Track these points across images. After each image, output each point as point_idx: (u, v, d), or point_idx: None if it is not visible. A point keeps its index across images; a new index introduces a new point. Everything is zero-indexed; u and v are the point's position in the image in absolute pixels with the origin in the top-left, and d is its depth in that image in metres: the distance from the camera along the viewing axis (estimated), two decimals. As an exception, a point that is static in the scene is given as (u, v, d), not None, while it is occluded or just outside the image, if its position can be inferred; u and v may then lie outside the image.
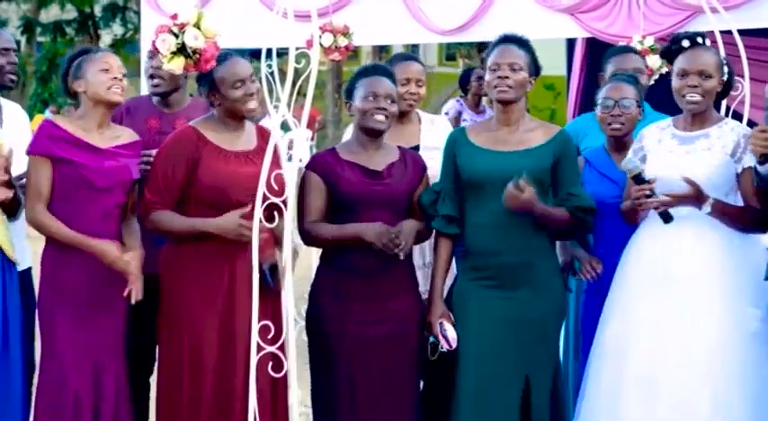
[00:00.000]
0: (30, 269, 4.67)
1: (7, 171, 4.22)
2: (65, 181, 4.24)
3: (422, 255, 4.71)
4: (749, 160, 4.10)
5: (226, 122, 4.35)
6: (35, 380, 4.37)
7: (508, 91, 4.28)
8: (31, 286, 4.58)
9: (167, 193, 4.26)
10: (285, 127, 4.12)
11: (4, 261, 4.33)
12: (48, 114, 18.87)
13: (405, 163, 4.45)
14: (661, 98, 5.23)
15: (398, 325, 4.34)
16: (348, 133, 4.99)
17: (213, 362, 4.22)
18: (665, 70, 6.46)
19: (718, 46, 6.02)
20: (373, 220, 4.25)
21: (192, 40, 4.00)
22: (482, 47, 4.45)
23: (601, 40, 8.32)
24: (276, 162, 4.13)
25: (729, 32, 6.50)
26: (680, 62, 4.24)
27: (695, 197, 4.07)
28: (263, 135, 4.42)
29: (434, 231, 4.44)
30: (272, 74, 4.17)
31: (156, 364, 4.44)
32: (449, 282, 4.51)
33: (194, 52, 4.02)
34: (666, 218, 4.11)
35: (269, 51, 4.21)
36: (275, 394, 4.27)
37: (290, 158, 4.23)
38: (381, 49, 19.38)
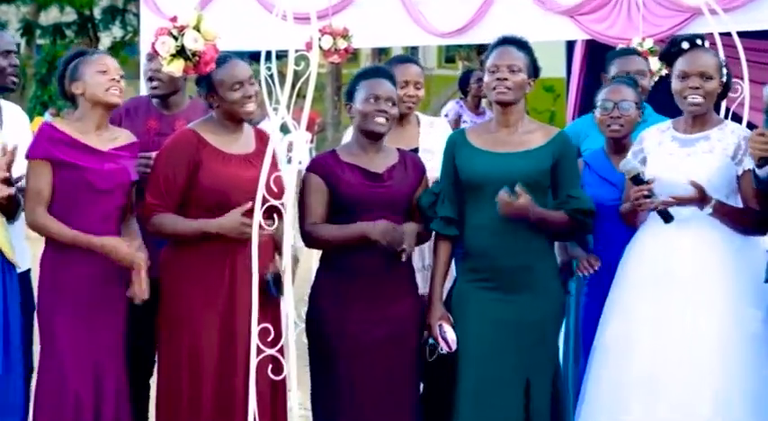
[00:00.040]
0: (29, 271, 4.67)
1: (9, 169, 4.21)
2: (65, 184, 4.23)
3: (421, 257, 4.71)
4: (749, 163, 4.10)
5: (225, 125, 4.35)
6: (32, 382, 4.37)
7: (507, 92, 4.28)
8: (30, 288, 4.58)
9: (169, 197, 4.25)
10: (284, 129, 4.12)
11: (4, 263, 4.33)
12: (47, 117, 18.87)
13: (405, 165, 4.45)
14: (660, 100, 5.24)
15: (398, 326, 4.34)
16: (347, 135, 4.99)
17: (213, 363, 4.23)
18: (664, 72, 6.46)
19: (718, 48, 6.02)
20: None
21: (192, 42, 4.01)
22: (481, 49, 4.45)
23: (600, 42, 8.33)
24: (274, 164, 4.14)
25: (728, 34, 6.50)
26: (680, 64, 4.24)
27: (700, 199, 4.07)
28: (262, 138, 4.42)
29: (434, 233, 4.44)
30: (271, 76, 4.17)
31: (156, 366, 4.43)
32: (448, 284, 4.50)
33: (194, 55, 4.03)
34: (666, 217, 4.12)
35: (268, 54, 4.21)
36: (275, 396, 4.27)
37: (289, 161, 4.23)
38: (381, 52, 19.38)
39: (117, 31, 25.54)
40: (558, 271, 4.43)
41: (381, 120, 4.34)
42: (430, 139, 4.92)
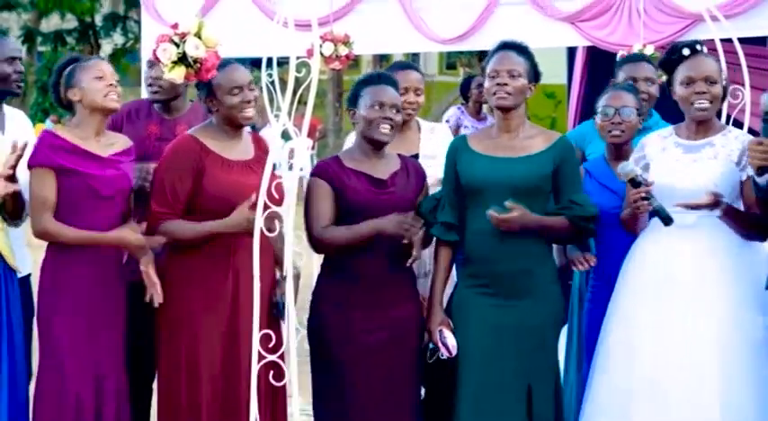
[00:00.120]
0: (29, 276, 4.67)
1: (14, 167, 4.21)
2: (68, 191, 4.23)
3: (422, 263, 4.70)
4: (750, 170, 4.10)
5: (224, 130, 4.35)
6: (31, 386, 4.38)
7: (507, 97, 4.28)
8: (29, 293, 4.59)
9: (176, 203, 4.25)
10: (286, 136, 4.12)
11: (5, 268, 4.33)
12: (48, 124, 18.89)
13: (407, 171, 4.46)
14: (658, 107, 5.25)
15: (400, 328, 4.34)
16: (349, 142, 4.99)
17: (215, 368, 4.23)
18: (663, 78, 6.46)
19: (719, 54, 6.03)
20: None
21: (193, 49, 4.01)
22: (483, 55, 4.46)
23: (601, 48, 8.32)
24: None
25: (729, 41, 6.50)
26: (684, 70, 4.24)
27: (714, 204, 4.07)
28: (259, 143, 4.44)
29: (435, 239, 4.44)
30: (272, 83, 4.18)
31: (157, 369, 4.42)
32: (449, 289, 4.50)
33: (195, 61, 4.03)
34: (666, 220, 4.12)
35: (269, 60, 4.21)
36: (275, 401, 4.28)
37: (290, 167, 4.23)
38: (382, 58, 19.38)
39: (118, 38, 25.58)
40: (557, 276, 4.42)
41: (386, 128, 4.33)
42: (430, 145, 4.92)
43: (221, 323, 4.25)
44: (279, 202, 4.02)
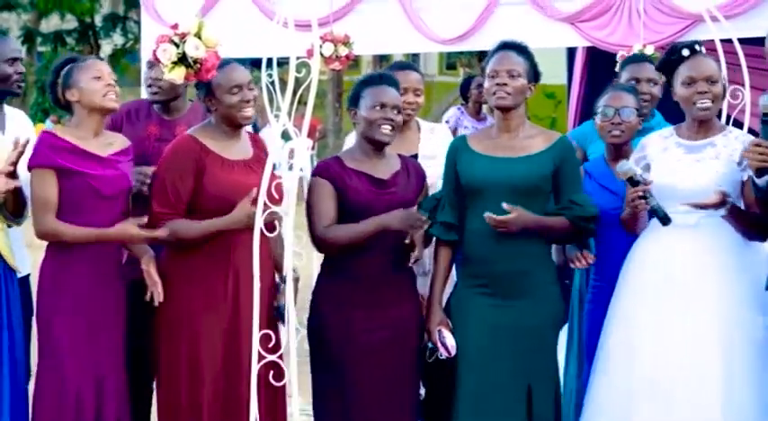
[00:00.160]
0: (28, 276, 4.67)
1: (15, 163, 4.21)
2: (71, 191, 4.23)
3: (421, 263, 4.71)
4: (750, 171, 4.10)
5: (224, 130, 4.35)
6: (30, 387, 4.38)
7: (507, 97, 4.28)
8: (29, 293, 4.59)
9: (178, 203, 4.24)
10: (286, 136, 4.12)
11: (5, 268, 4.34)
12: (48, 124, 18.90)
13: (407, 171, 4.46)
14: (661, 107, 5.24)
15: (400, 327, 4.35)
16: (348, 142, 4.99)
17: (217, 368, 4.23)
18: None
19: (719, 54, 6.03)
20: None
21: (193, 49, 4.00)
22: (483, 55, 4.46)
23: (601, 48, 8.33)
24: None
25: (729, 41, 6.50)
26: (685, 70, 4.24)
27: (721, 204, 4.08)
28: (257, 143, 4.45)
29: (434, 239, 4.44)
30: (272, 83, 4.17)
31: (155, 369, 4.41)
32: (449, 289, 4.50)
33: (195, 62, 4.03)
34: (664, 220, 4.12)
35: (269, 61, 4.21)
36: (275, 402, 4.28)
37: (290, 168, 4.23)
38: (382, 59, 19.38)
39: (118, 39, 25.59)
40: (556, 277, 4.42)
41: (387, 129, 4.33)
42: (430, 145, 4.93)
43: (222, 323, 4.25)
44: (279, 203, 4.03)
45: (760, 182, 3.99)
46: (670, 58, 4.33)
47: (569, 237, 4.36)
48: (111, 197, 4.28)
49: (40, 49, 26.09)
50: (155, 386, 4.43)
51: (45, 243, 4.32)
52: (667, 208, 4.16)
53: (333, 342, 4.31)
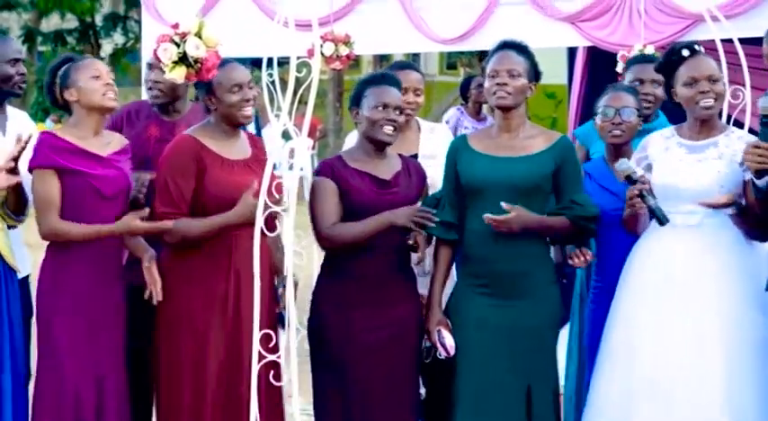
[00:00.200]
0: (27, 277, 4.67)
1: (16, 159, 4.20)
2: (71, 191, 4.22)
3: (422, 263, 4.71)
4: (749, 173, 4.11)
5: (223, 129, 4.35)
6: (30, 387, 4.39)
7: (507, 97, 4.28)
8: (28, 293, 4.59)
9: (181, 203, 4.24)
10: (286, 136, 4.12)
11: (5, 268, 4.33)
12: (49, 123, 18.91)
13: (408, 172, 4.46)
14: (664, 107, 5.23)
15: (400, 327, 4.35)
16: (348, 141, 4.99)
17: (219, 369, 4.23)
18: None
19: (720, 54, 6.02)
20: None
21: (194, 49, 4.01)
22: (483, 55, 4.45)
23: (601, 48, 8.33)
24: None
25: (730, 41, 6.50)
26: (686, 71, 4.24)
27: (732, 204, 4.08)
28: (256, 143, 4.45)
29: (434, 238, 4.44)
30: (273, 83, 4.17)
31: (155, 369, 4.40)
32: (450, 289, 4.50)
33: (195, 61, 4.03)
34: (661, 220, 4.12)
35: (270, 60, 4.21)
36: (275, 401, 4.29)
37: (290, 167, 4.23)
38: (382, 58, 19.38)
39: (118, 38, 25.58)
40: (555, 277, 4.42)
41: (389, 129, 4.33)
42: (430, 145, 4.93)
43: (223, 323, 4.25)
44: (279, 202, 4.03)
45: (760, 183, 4.00)
46: (670, 60, 4.32)
47: (570, 237, 4.36)
48: (112, 197, 4.28)
49: (41, 48, 26.09)
50: (154, 386, 4.41)
51: (44, 243, 4.31)
52: (669, 208, 4.16)
53: (334, 342, 4.31)
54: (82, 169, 4.22)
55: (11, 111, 4.73)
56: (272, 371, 4.06)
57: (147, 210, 4.23)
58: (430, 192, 4.55)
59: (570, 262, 4.43)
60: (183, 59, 4.02)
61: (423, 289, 4.51)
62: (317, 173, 4.40)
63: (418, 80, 4.98)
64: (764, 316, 4.11)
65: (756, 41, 4.33)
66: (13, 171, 4.20)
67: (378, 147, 4.39)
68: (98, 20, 25.79)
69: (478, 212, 4.23)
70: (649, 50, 7.25)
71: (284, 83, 4.03)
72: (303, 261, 4.47)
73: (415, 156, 4.80)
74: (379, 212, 4.25)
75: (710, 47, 5.94)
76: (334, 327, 4.31)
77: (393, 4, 8.77)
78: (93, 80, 4.28)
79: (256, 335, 4.01)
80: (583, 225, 4.29)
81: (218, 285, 4.25)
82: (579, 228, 4.29)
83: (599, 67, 8.74)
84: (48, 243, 4.30)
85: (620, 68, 7.20)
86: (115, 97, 4.33)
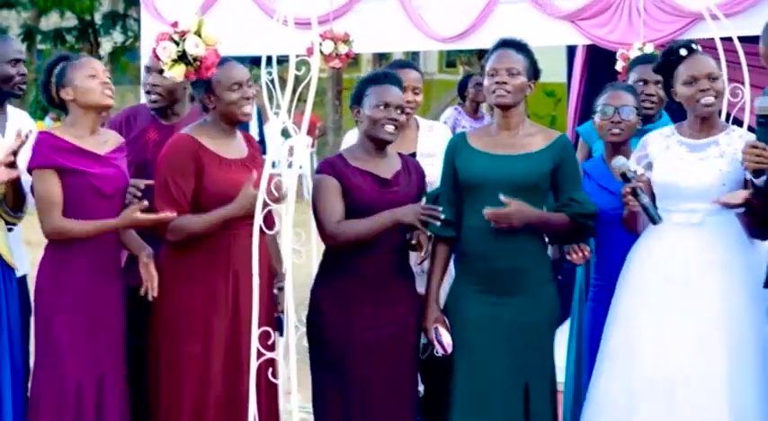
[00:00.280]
0: (25, 276, 4.66)
1: (15, 153, 4.19)
2: (72, 191, 4.22)
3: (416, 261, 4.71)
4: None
5: (222, 128, 4.35)
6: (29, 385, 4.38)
7: (506, 96, 4.28)
8: (26, 292, 4.59)
9: (183, 201, 4.23)
10: (285, 134, 4.12)
11: (4, 267, 4.33)
12: (48, 121, 18.90)
13: (408, 171, 4.46)
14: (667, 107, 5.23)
15: (400, 324, 4.36)
16: (347, 140, 4.99)
17: (220, 367, 4.23)
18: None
19: (719, 53, 6.02)
20: None
21: (193, 47, 4.01)
22: (482, 54, 4.45)
23: (601, 46, 8.32)
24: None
25: (729, 39, 6.50)
26: (685, 70, 4.24)
27: (744, 204, 4.08)
28: (251, 142, 4.45)
29: (432, 236, 4.44)
30: (272, 81, 4.17)
31: (153, 368, 4.40)
32: (447, 285, 4.50)
33: (195, 60, 4.03)
34: (653, 219, 4.12)
35: (269, 58, 4.22)
36: (272, 398, 4.30)
37: (290, 165, 4.23)
38: (381, 57, 19.37)
39: (118, 37, 25.57)
40: (552, 275, 4.42)
41: (391, 128, 4.34)
42: (429, 144, 4.93)
43: (223, 321, 4.25)
44: (277, 200, 4.03)
45: (758, 182, 4.01)
46: (669, 59, 4.32)
47: (570, 234, 4.36)
48: (111, 195, 4.28)
49: (40, 46, 26.08)
50: (152, 384, 4.39)
51: (43, 241, 4.31)
52: (670, 206, 4.17)
53: (334, 340, 4.32)
54: (81, 168, 4.22)
55: (11, 110, 4.73)
56: (270, 369, 4.06)
57: (146, 203, 4.22)
58: (428, 191, 4.55)
59: (569, 257, 4.43)
60: (182, 58, 4.02)
61: (421, 288, 4.51)
62: (318, 171, 4.40)
63: (417, 79, 4.98)
64: (765, 314, 4.10)
65: (756, 40, 4.33)
66: (13, 165, 4.20)
67: (379, 145, 4.39)
68: (97, 18, 25.77)
69: (476, 209, 4.23)
70: (649, 49, 7.25)
71: (283, 81, 4.03)
72: (302, 259, 4.47)
73: (414, 154, 4.80)
74: (379, 211, 4.25)
75: (710, 45, 5.95)
76: (334, 326, 4.31)
77: (392, 2, 8.77)
78: (90, 79, 4.28)
79: (255, 332, 4.02)
80: (582, 222, 4.29)
81: (217, 283, 4.25)
82: (578, 225, 4.29)
83: (598, 66, 8.73)
84: (48, 241, 4.30)
85: (619, 67, 7.20)
86: (112, 95, 4.33)
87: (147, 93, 4.90)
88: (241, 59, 4.43)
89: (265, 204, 4.00)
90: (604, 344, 4.34)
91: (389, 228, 4.23)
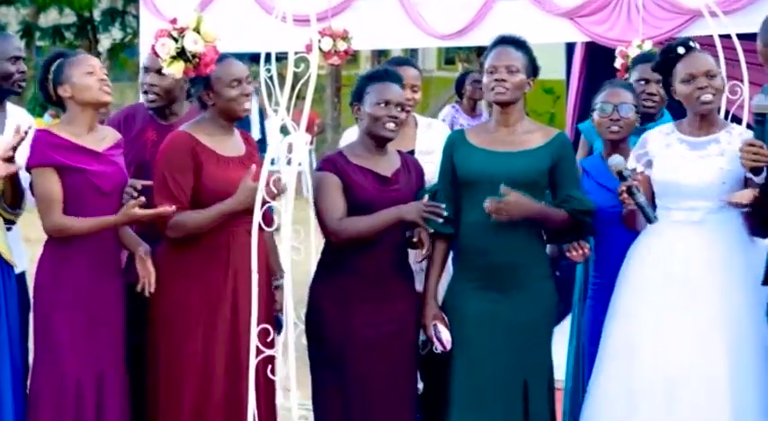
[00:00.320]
0: (24, 273, 4.66)
1: (14, 149, 4.18)
2: (72, 189, 4.21)
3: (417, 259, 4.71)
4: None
5: (220, 125, 4.34)
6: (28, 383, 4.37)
7: (505, 93, 4.28)
8: (25, 289, 4.58)
9: (182, 197, 4.23)
10: (284, 131, 4.13)
11: (3, 264, 4.33)
12: (47, 118, 18.87)
13: (407, 168, 4.47)
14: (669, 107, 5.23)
15: (400, 322, 4.36)
16: (346, 137, 4.99)
17: (220, 365, 4.23)
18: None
19: (718, 50, 6.03)
20: None
21: (192, 44, 4.01)
22: (481, 51, 4.45)
23: (600, 44, 8.32)
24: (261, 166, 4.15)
25: (728, 37, 6.50)
26: (684, 68, 4.24)
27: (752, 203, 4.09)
28: (248, 139, 4.45)
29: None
30: (271, 78, 4.18)
31: (152, 365, 4.39)
32: (446, 282, 4.50)
33: (194, 56, 4.03)
34: (649, 218, 4.12)
35: (268, 55, 4.22)
36: (270, 395, 4.30)
37: (288, 162, 4.24)
38: (380, 54, 19.37)
39: (116, 33, 25.52)
40: (550, 272, 4.42)
41: (392, 126, 4.34)
42: (427, 141, 4.92)
43: (222, 318, 4.24)
44: (276, 197, 4.03)
45: (756, 180, 4.01)
46: (667, 58, 4.33)
47: (568, 231, 4.36)
48: (111, 192, 4.28)
49: (39, 43, 26.04)
50: (150, 381, 4.38)
51: (42, 238, 4.31)
52: (670, 204, 4.18)
53: (334, 338, 4.31)
54: (80, 166, 4.22)
55: (10, 108, 4.72)
56: (269, 366, 4.06)
57: (143, 199, 4.22)
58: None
59: (568, 254, 4.43)
60: (181, 54, 4.02)
61: (420, 285, 4.51)
62: (319, 168, 4.39)
63: (416, 76, 4.98)
64: (765, 313, 4.10)
65: (754, 37, 4.33)
66: (11, 160, 4.19)
67: (379, 143, 4.39)
68: (96, 15, 25.73)
69: (474, 205, 4.23)
70: (647, 46, 7.25)
71: (282, 78, 4.03)
72: (301, 256, 4.47)
73: (412, 152, 4.80)
74: (379, 209, 4.25)
75: (708, 42, 5.95)
76: (334, 323, 4.31)
77: (391, -1, 8.77)
78: (87, 76, 4.27)
79: (254, 330, 4.02)
80: (580, 218, 4.29)
81: (216, 280, 4.25)
82: (577, 221, 4.30)
83: (597, 63, 8.73)
84: (47, 238, 4.30)
85: (618, 64, 7.20)
86: (110, 91, 4.32)
87: (145, 92, 4.89)
88: (240, 56, 4.43)
89: (264, 201, 4.00)
90: (604, 342, 4.34)
91: (392, 225, 4.23)
